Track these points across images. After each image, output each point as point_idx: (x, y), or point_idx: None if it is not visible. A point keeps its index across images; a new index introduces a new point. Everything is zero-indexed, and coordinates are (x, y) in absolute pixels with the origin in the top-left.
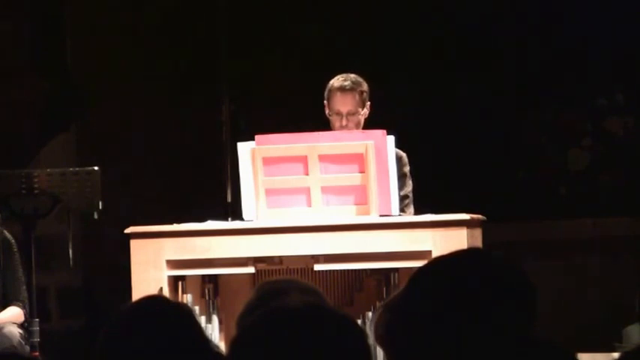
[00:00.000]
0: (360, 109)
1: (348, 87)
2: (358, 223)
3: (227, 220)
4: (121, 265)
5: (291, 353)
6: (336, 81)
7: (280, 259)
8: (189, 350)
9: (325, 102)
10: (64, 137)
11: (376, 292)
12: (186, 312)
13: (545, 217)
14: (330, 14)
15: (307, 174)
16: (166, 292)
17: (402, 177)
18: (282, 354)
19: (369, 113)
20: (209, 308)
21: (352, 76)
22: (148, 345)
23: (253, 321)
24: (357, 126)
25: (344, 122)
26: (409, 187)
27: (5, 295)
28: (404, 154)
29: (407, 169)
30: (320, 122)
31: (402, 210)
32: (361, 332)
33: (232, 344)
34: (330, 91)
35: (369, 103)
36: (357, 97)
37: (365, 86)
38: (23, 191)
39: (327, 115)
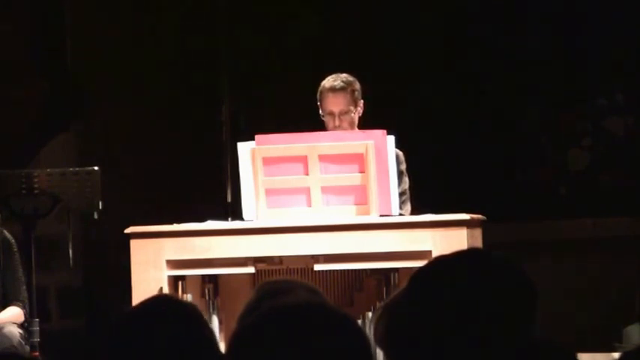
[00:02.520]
0: (352, 108)
1: (338, 87)
2: (358, 223)
3: (227, 220)
4: (121, 265)
5: (290, 352)
6: (327, 81)
7: (280, 259)
8: (198, 351)
9: (318, 103)
10: (64, 137)
11: (376, 292)
12: (195, 312)
13: (545, 217)
14: (330, 14)
15: (307, 174)
16: (166, 292)
17: (399, 175)
18: (281, 352)
19: (367, 112)
20: (209, 308)
21: (343, 75)
22: (155, 345)
23: (253, 319)
24: (350, 125)
25: (337, 122)
26: (406, 184)
27: (5, 295)
28: (401, 153)
29: (403, 167)
30: (320, 122)
31: (399, 206)
32: (360, 331)
33: (231, 342)
34: (321, 92)
35: (361, 101)
36: (349, 96)
37: (356, 85)
38: (23, 191)
39: (321, 117)
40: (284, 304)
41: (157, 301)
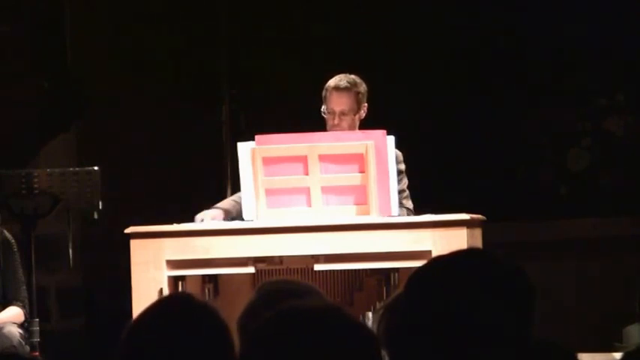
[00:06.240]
0: (354, 110)
1: (342, 86)
2: (358, 223)
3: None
4: (121, 265)
5: (302, 354)
6: (334, 80)
7: (280, 259)
8: (215, 350)
9: (323, 101)
10: (64, 137)
11: (376, 292)
12: (213, 312)
13: (545, 217)
14: (331, 14)
15: (307, 174)
16: (166, 292)
17: (398, 174)
18: (293, 354)
19: (369, 113)
20: None
21: (351, 76)
22: (174, 344)
23: (268, 319)
24: (350, 127)
25: (336, 121)
26: (404, 184)
27: (5, 295)
28: (399, 152)
29: (402, 166)
30: (320, 122)
31: (400, 203)
32: (374, 339)
33: (246, 341)
34: (326, 89)
35: (365, 104)
36: (353, 97)
37: (362, 87)
38: (23, 191)
39: (323, 114)
40: (300, 305)
41: (174, 300)
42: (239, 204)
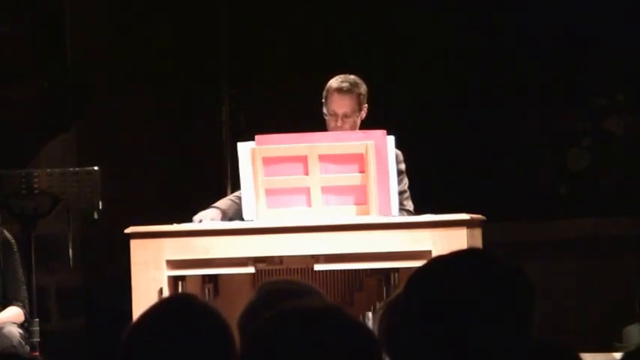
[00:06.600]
0: (356, 112)
1: (345, 88)
2: (358, 223)
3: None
4: (121, 265)
5: (302, 354)
6: (335, 81)
7: (280, 259)
8: (216, 350)
9: (323, 101)
10: (64, 137)
11: (376, 292)
12: (215, 313)
13: (545, 217)
14: (331, 14)
15: (307, 174)
16: (166, 292)
17: (399, 173)
18: (293, 354)
19: (369, 113)
20: None
21: (351, 77)
22: (175, 345)
23: (270, 319)
24: (352, 128)
25: (339, 123)
26: (404, 184)
27: (5, 295)
28: (399, 152)
29: (402, 166)
30: (320, 122)
31: (402, 204)
32: (374, 339)
33: (249, 340)
34: (327, 90)
35: (366, 105)
36: (354, 98)
37: (363, 88)
38: (23, 191)
39: (324, 115)
40: (300, 305)
41: (176, 301)
42: (237, 203)
